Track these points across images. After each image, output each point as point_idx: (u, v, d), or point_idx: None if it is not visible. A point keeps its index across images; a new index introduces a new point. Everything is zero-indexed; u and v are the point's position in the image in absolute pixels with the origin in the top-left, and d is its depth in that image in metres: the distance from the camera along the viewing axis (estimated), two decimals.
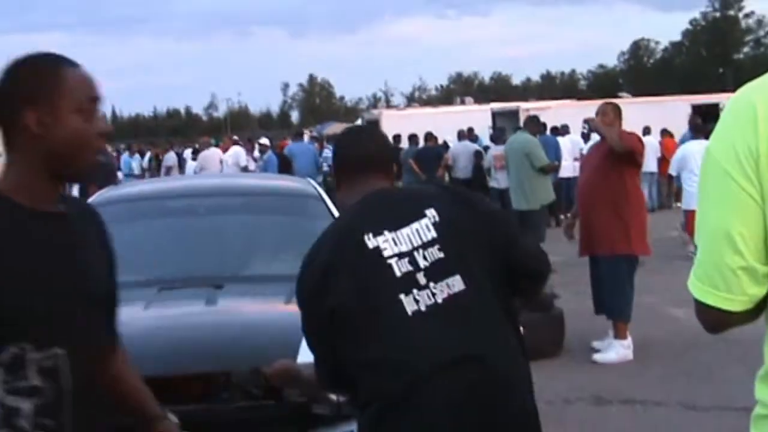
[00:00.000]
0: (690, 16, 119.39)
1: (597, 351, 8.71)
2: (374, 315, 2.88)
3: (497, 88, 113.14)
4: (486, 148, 21.85)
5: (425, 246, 2.93)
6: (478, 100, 47.88)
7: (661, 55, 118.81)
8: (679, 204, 14.90)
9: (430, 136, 21.66)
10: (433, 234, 2.95)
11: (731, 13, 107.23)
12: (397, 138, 23.15)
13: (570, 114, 15.55)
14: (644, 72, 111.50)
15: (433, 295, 2.87)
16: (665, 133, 23.07)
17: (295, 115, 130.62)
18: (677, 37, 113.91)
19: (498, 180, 19.12)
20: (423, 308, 2.85)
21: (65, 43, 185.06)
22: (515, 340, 2.98)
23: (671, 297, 10.15)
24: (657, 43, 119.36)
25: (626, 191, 8.46)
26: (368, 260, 2.92)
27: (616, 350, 8.59)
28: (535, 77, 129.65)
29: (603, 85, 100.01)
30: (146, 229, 6.29)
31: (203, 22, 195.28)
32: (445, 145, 23.10)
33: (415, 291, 2.86)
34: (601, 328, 8.93)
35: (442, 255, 2.92)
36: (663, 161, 21.30)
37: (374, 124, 31.38)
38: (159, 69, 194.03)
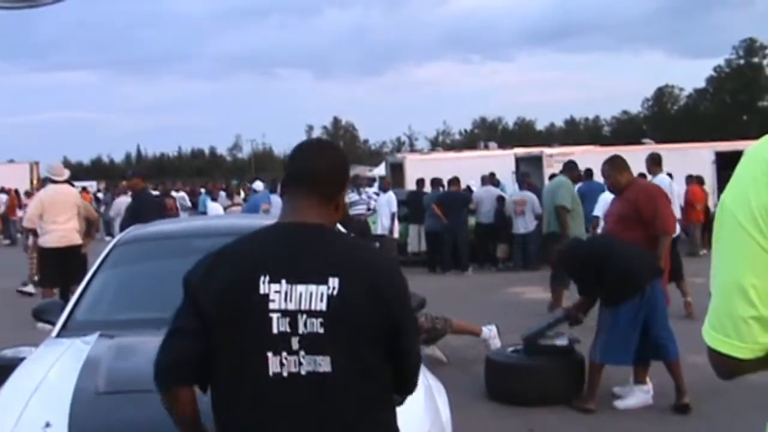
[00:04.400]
0: (714, 63, 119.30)
1: (618, 397, 8.71)
2: (238, 356, 2.87)
3: (521, 133, 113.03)
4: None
5: (310, 314, 2.83)
6: (502, 145, 47.85)
7: (685, 102, 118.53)
8: (705, 251, 14.94)
9: (454, 181, 21.70)
10: (322, 307, 2.83)
11: (756, 60, 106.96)
12: (421, 182, 23.24)
13: (593, 160, 15.60)
14: (668, 118, 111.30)
15: (300, 365, 2.82)
16: (693, 179, 22.88)
17: None
18: (701, 84, 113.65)
19: (518, 225, 19.20)
20: (285, 374, 2.82)
21: (93, 82, 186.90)
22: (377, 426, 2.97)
23: (691, 344, 10.05)
24: (681, 89, 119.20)
25: (648, 243, 8.54)
26: (253, 304, 2.86)
27: (636, 396, 8.62)
28: (559, 123, 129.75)
29: (627, 131, 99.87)
30: (158, 268, 6.46)
31: (229, 63, 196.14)
32: (468, 190, 23.17)
33: (284, 353, 2.82)
34: (622, 374, 8.93)
35: (321, 331, 2.82)
36: (689, 208, 21.28)
37: (398, 168, 31.62)
38: (184, 109, 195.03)
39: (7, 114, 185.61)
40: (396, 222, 21.94)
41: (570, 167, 14.82)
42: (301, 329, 2.82)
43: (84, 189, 39.25)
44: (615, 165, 9.08)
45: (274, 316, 2.83)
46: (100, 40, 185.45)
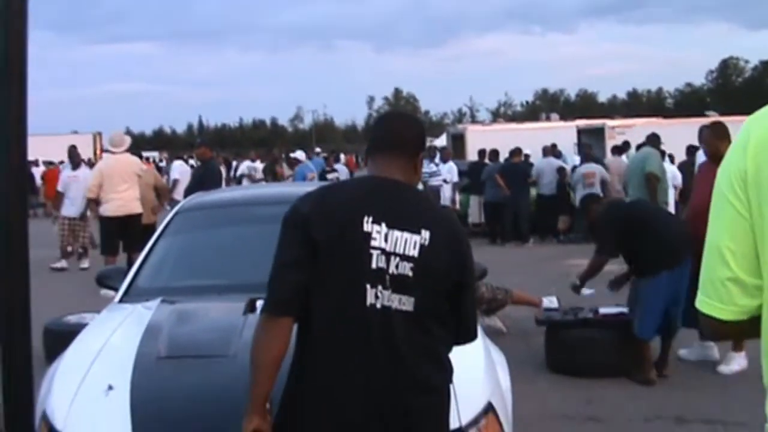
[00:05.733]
0: None
1: (682, 359, 8.97)
2: (339, 285, 3.12)
3: (583, 105, 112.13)
4: (574, 168, 21.75)
5: (403, 258, 3.14)
6: (564, 116, 47.55)
7: (750, 74, 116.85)
8: None
9: (516, 152, 21.58)
10: (414, 253, 3.15)
11: None
12: (482, 153, 23.13)
13: (656, 132, 15.48)
14: (733, 91, 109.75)
15: (390, 300, 3.12)
16: None
17: None
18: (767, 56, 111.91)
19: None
20: (379, 306, 3.11)
21: (154, 54, 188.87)
22: (433, 370, 3.23)
23: None
24: (746, 62, 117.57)
25: None
26: (357, 239, 3.13)
27: (737, 362, 8.64)
28: (622, 95, 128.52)
29: (690, 103, 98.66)
30: (220, 235, 6.52)
31: (289, 35, 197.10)
32: (527, 161, 23.02)
33: (379, 287, 3.12)
34: (681, 344, 8.95)
35: (410, 274, 3.14)
36: None
37: (459, 139, 31.55)
38: (246, 80, 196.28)
39: (70, 86, 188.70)
40: (456, 192, 21.93)
41: (654, 138, 14.66)
42: (392, 269, 3.13)
43: (147, 159, 39.68)
44: (717, 132, 8.81)
45: (374, 252, 3.13)
46: (161, 12, 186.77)
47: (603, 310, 8.93)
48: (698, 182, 9.44)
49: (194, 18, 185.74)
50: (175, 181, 18.25)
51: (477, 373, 4.36)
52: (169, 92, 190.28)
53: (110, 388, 4.08)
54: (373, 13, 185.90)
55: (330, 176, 22.29)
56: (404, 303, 3.12)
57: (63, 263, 17.35)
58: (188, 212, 6.73)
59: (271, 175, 22.26)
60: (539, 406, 7.56)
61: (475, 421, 3.95)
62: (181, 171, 19.15)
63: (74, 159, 17.92)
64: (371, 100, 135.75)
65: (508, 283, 11.16)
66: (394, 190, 3.28)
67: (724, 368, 8.67)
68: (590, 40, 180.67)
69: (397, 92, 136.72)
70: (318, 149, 40.17)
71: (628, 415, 7.44)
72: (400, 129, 3.47)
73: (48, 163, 35.98)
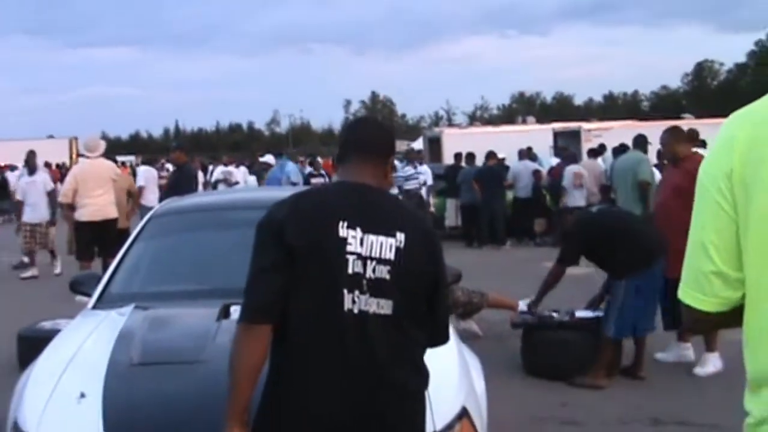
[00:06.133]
0: (756, 37, 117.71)
1: (659, 362, 9.02)
2: (315, 292, 3.12)
3: (559, 108, 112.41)
4: (550, 170, 21.77)
5: (379, 261, 3.17)
6: (540, 119, 47.70)
7: (725, 77, 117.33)
8: None
9: (491, 155, 21.58)
10: (390, 256, 3.18)
11: None
12: (458, 156, 23.15)
13: (632, 135, 15.48)
14: (708, 94, 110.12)
15: (367, 304, 3.14)
16: None
17: None
18: (742, 59, 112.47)
19: (575, 197, 19.01)
20: (356, 311, 3.12)
21: (130, 59, 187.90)
22: (411, 374, 3.26)
23: None
24: (722, 64, 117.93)
25: None
26: (333, 244, 3.14)
27: (713, 363, 8.69)
28: (598, 98, 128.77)
29: (666, 106, 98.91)
30: (193, 240, 6.49)
31: (265, 40, 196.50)
32: (503, 164, 23.05)
33: (356, 292, 3.13)
34: (658, 347, 8.98)
35: (387, 277, 3.16)
36: None
37: (436, 142, 31.61)
38: (222, 84, 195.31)
39: (46, 90, 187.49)
40: (431, 196, 21.96)
41: (641, 141, 14.59)
42: (369, 274, 3.14)
43: (123, 164, 39.51)
44: (675, 135, 9.08)
45: (351, 257, 3.13)
46: (137, 16, 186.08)
47: (579, 314, 8.95)
48: (660, 183, 9.72)
49: (170, 22, 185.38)
50: (141, 188, 18.03)
51: (451, 377, 4.33)
52: (145, 96, 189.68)
53: (82, 395, 4.04)
54: (350, 17, 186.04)
55: (314, 180, 22.28)
56: (382, 307, 3.15)
57: (34, 271, 17.21)
58: (162, 217, 6.70)
59: (261, 179, 22.15)
60: (515, 409, 7.55)
61: (449, 427, 3.94)
62: (146, 177, 18.93)
63: (31, 164, 17.87)
64: (348, 103, 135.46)
65: (485, 286, 11.15)
66: (367, 195, 3.29)
67: (699, 370, 8.72)
68: (566, 43, 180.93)
69: (374, 96, 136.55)
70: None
71: (603, 417, 7.45)
72: (370, 134, 3.50)
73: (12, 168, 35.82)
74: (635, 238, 8.38)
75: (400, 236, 3.19)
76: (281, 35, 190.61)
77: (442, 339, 3.49)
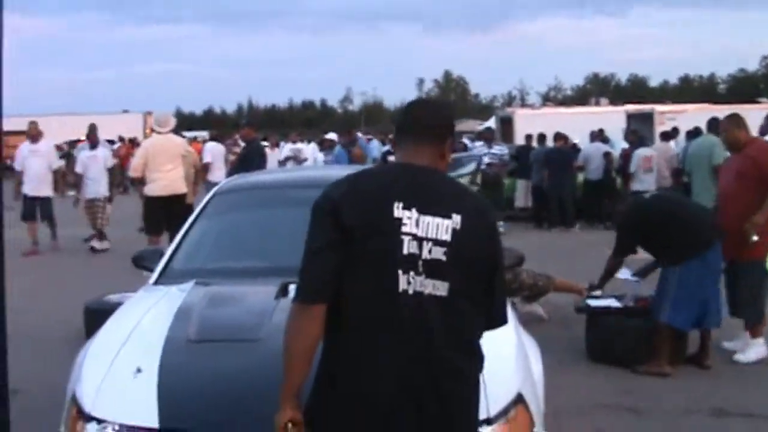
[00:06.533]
0: None
1: (732, 352, 8.79)
2: (370, 272, 3.11)
3: (634, 90, 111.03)
4: (622, 153, 21.49)
5: (435, 243, 3.14)
6: (613, 101, 47.18)
7: None
8: None
9: (559, 137, 21.38)
10: (447, 238, 3.15)
11: None
12: (529, 137, 23.02)
13: (706, 118, 15.23)
14: None
15: (423, 285, 3.11)
16: None
17: None
18: None
19: (644, 182, 18.74)
20: (411, 292, 3.10)
21: (203, 35, 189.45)
22: (466, 356, 3.23)
23: None
24: None
25: (764, 198, 8.38)
26: (388, 225, 3.11)
27: (755, 350, 8.63)
28: (673, 80, 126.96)
29: (743, 89, 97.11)
30: (255, 218, 6.52)
31: (338, 17, 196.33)
32: (575, 146, 22.82)
33: (412, 273, 3.10)
34: (726, 336, 8.85)
35: (443, 259, 3.14)
36: None
37: (508, 123, 31.42)
38: (294, 62, 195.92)
39: (122, 65, 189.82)
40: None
41: (715, 125, 14.33)
42: (425, 255, 3.12)
43: (194, 138, 39.85)
44: (735, 121, 9.03)
45: (405, 238, 3.12)
46: None
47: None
48: (722, 169, 9.60)
49: (242, 0, 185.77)
50: (207, 164, 18.14)
51: (508, 362, 4.27)
52: (219, 73, 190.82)
53: (138, 370, 4.08)
54: None
55: (391, 158, 22.18)
56: (438, 288, 3.12)
57: (106, 244, 17.44)
58: (225, 194, 6.73)
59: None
60: (576, 395, 7.49)
61: (504, 412, 3.88)
62: (213, 153, 19.02)
63: (92, 139, 18.03)
64: (421, 82, 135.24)
65: (552, 269, 11.09)
66: (423, 176, 3.27)
67: (740, 357, 8.65)
68: (642, 24, 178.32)
69: (447, 75, 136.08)
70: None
71: (666, 406, 7.33)
72: (426, 116, 3.44)
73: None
74: (688, 223, 8.25)
75: (457, 218, 3.16)
76: (355, 12, 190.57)
77: (499, 322, 3.45)
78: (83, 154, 17.90)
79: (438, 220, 3.14)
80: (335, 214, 3.11)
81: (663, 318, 8.18)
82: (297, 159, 24.36)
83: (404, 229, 3.11)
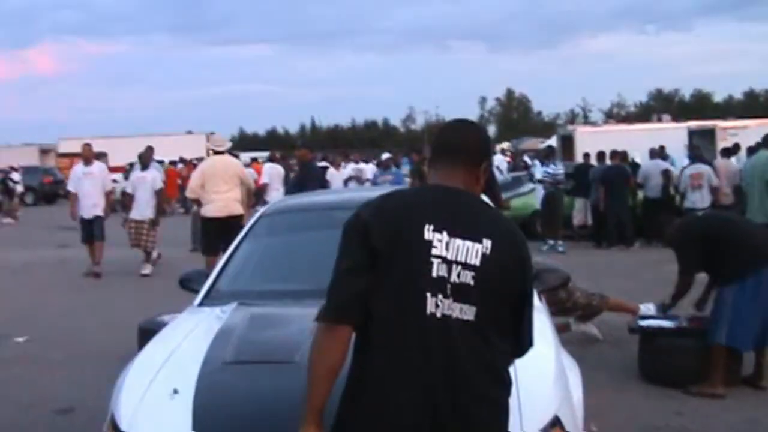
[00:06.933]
0: None
1: None
2: (398, 294, 3.09)
3: (698, 106, 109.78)
4: (682, 170, 21.24)
5: (465, 267, 3.11)
6: (676, 117, 46.69)
7: None
8: None
9: (615, 154, 21.21)
10: (476, 262, 3.11)
11: None
12: (587, 155, 22.87)
13: None
14: None
15: (450, 309, 3.08)
16: None
17: (492, 129, 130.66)
18: None
19: (692, 201, 18.52)
20: (439, 315, 3.07)
21: (268, 56, 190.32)
22: (492, 382, 3.16)
23: None
24: None
25: None
26: (418, 246, 3.10)
27: None
28: (738, 95, 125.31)
29: None
30: (301, 239, 6.52)
31: (402, 36, 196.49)
32: (633, 163, 22.60)
33: (440, 296, 3.08)
34: None
35: (471, 283, 3.10)
36: None
37: (568, 140, 31.28)
38: (358, 81, 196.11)
39: (186, 87, 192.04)
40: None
41: None
42: (453, 278, 3.09)
43: (255, 159, 40.11)
44: None
45: (435, 261, 3.10)
46: (275, 14, 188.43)
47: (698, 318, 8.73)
48: None
49: (307, 20, 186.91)
50: (265, 185, 18.24)
51: (545, 383, 4.20)
52: (282, 93, 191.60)
53: (175, 392, 4.10)
54: (485, 14, 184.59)
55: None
56: (465, 312, 3.09)
57: (148, 268, 17.45)
58: (271, 216, 6.77)
59: (419, 175, 22.02)
60: (628, 415, 7.43)
61: None
62: (271, 174, 19.08)
63: (144, 160, 18.04)
64: (483, 100, 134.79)
65: (608, 287, 11.00)
66: (456, 199, 3.25)
67: None
68: (706, 39, 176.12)
69: (510, 93, 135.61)
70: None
71: (718, 428, 7.21)
72: (462, 138, 3.42)
73: (159, 162, 36.66)
74: (741, 241, 8.11)
75: (487, 242, 3.13)
76: (417, 32, 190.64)
77: (526, 349, 3.37)
78: (133, 175, 17.96)
79: (468, 243, 3.12)
80: (364, 234, 3.12)
81: (720, 338, 8.04)
82: (359, 179, 24.44)
83: (434, 251, 3.09)
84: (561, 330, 10.02)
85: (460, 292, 3.09)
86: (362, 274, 3.10)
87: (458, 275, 3.09)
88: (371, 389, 3.10)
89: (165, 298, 11.61)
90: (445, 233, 3.11)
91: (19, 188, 39.49)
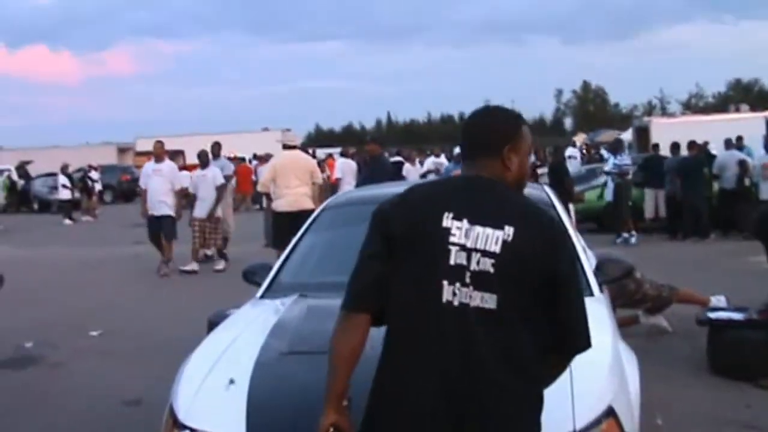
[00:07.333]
0: None
1: None
2: (415, 282, 3.09)
3: None
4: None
5: (484, 254, 3.05)
6: (754, 107, 45.87)
7: None
8: None
9: (692, 145, 20.95)
10: (496, 249, 3.05)
11: None
12: (656, 146, 22.70)
13: None
14: None
15: (470, 297, 3.03)
16: None
17: (568, 122, 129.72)
18: None
19: (765, 191, 18.23)
20: (456, 303, 3.04)
21: (342, 52, 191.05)
22: (513, 372, 3.03)
23: None
24: None
25: None
26: (435, 234, 3.09)
27: None
28: None
29: None
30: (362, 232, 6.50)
31: (477, 30, 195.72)
32: (708, 154, 22.30)
33: (458, 284, 3.04)
34: None
35: (491, 271, 3.04)
36: None
37: (644, 132, 30.96)
38: (433, 76, 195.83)
39: (261, 84, 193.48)
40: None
41: None
42: (473, 266, 3.05)
43: (330, 155, 40.31)
44: None
45: (453, 249, 3.07)
46: (347, 10, 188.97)
47: None
48: None
49: (380, 15, 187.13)
50: (338, 180, 18.31)
51: (600, 372, 4.13)
52: (357, 89, 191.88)
53: (231, 382, 4.16)
54: (559, 6, 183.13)
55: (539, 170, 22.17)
56: (486, 301, 3.04)
57: (194, 266, 17.43)
58: (334, 209, 6.81)
59: None
60: (695, 408, 7.35)
61: (591, 425, 3.73)
62: (344, 169, 19.13)
63: (202, 159, 18.02)
64: (559, 93, 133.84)
65: (683, 280, 10.87)
66: (479, 187, 3.23)
67: None
68: None
69: (586, 85, 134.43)
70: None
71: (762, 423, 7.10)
72: (477, 128, 3.40)
73: (240, 159, 37.02)
74: None
75: (509, 229, 3.07)
76: (492, 25, 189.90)
77: (577, 343, 3.22)
78: (195, 174, 17.96)
79: (489, 230, 3.07)
80: (385, 224, 3.17)
81: None
82: (438, 172, 24.50)
83: (452, 239, 3.08)
84: (630, 322, 10.00)
85: (480, 280, 3.05)
86: (380, 263, 3.14)
87: (478, 263, 3.06)
88: (392, 376, 3.12)
89: (235, 292, 11.75)
90: (465, 221, 3.09)
91: (98, 187, 40.18)
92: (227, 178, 18.66)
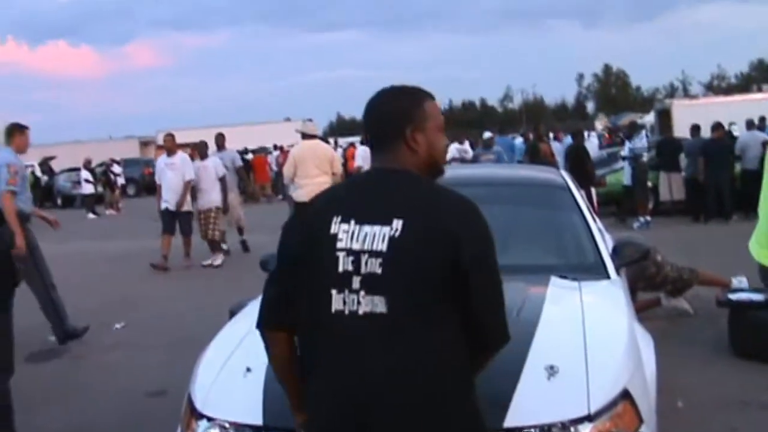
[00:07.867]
0: None
1: None
2: (309, 294, 2.99)
3: None
4: None
5: (371, 254, 2.88)
6: None
7: None
8: None
9: (716, 127, 20.81)
10: (383, 247, 2.87)
11: None
12: (668, 128, 22.68)
13: None
14: None
15: (359, 304, 2.89)
16: None
17: (590, 106, 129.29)
18: None
19: None
20: (346, 312, 2.90)
21: (362, 41, 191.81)
22: (413, 378, 2.85)
23: None
24: None
25: None
26: (324, 242, 2.95)
27: None
28: None
29: None
30: None
31: (496, 16, 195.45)
32: (731, 135, 22.17)
33: (346, 291, 2.90)
34: None
35: (379, 271, 2.86)
36: None
37: (666, 114, 30.82)
38: (454, 63, 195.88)
39: (282, 75, 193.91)
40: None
41: None
42: (362, 269, 2.89)
43: (352, 144, 40.33)
44: None
45: (340, 255, 2.93)
46: None
47: None
48: None
49: (401, 2, 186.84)
50: (359, 168, 18.32)
51: (615, 354, 4.13)
52: (378, 77, 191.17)
53: (248, 370, 4.18)
54: None
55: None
56: (377, 304, 2.86)
57: (218, 259, 17.44)
58: None
59: (534, 153, 21.74)
60: (715, 390, 7.33)
61: (606, 408, 3.67)
62: (364, 157, 19.16)
63: (201, 151, 17.92)
64: (581, 77, 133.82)
65: (705, 262, 10.83)
66: (371, 181, 3.11)
67: None
68: None
69: (607, 68, 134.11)
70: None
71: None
72: (372, 114, 3.19)
73: (260, 150, 37.11)
74: None
75: (397, 223, 2.87)
76: (509, 13, 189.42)
77: (486, 339, 3.02)
78: (194, 165, 17.65)
79: (375, 228, 2.90)
80: (284, 242, 3.15)
81: None
82: (463, 159, 24.45)
83: (339, 245, 2.93)
84: (651, 305, 9.99)
85: (370, 284, 2.87)
86: (280, 280, 3.13)
87: (366, 264, 2.88)
88: (308, 392, 3.08)
89: (257, 283, 11.82)
90: (352, 222, 2.94)
91: (120, 180, 40.37)
92: (237, 169, 18.74)
